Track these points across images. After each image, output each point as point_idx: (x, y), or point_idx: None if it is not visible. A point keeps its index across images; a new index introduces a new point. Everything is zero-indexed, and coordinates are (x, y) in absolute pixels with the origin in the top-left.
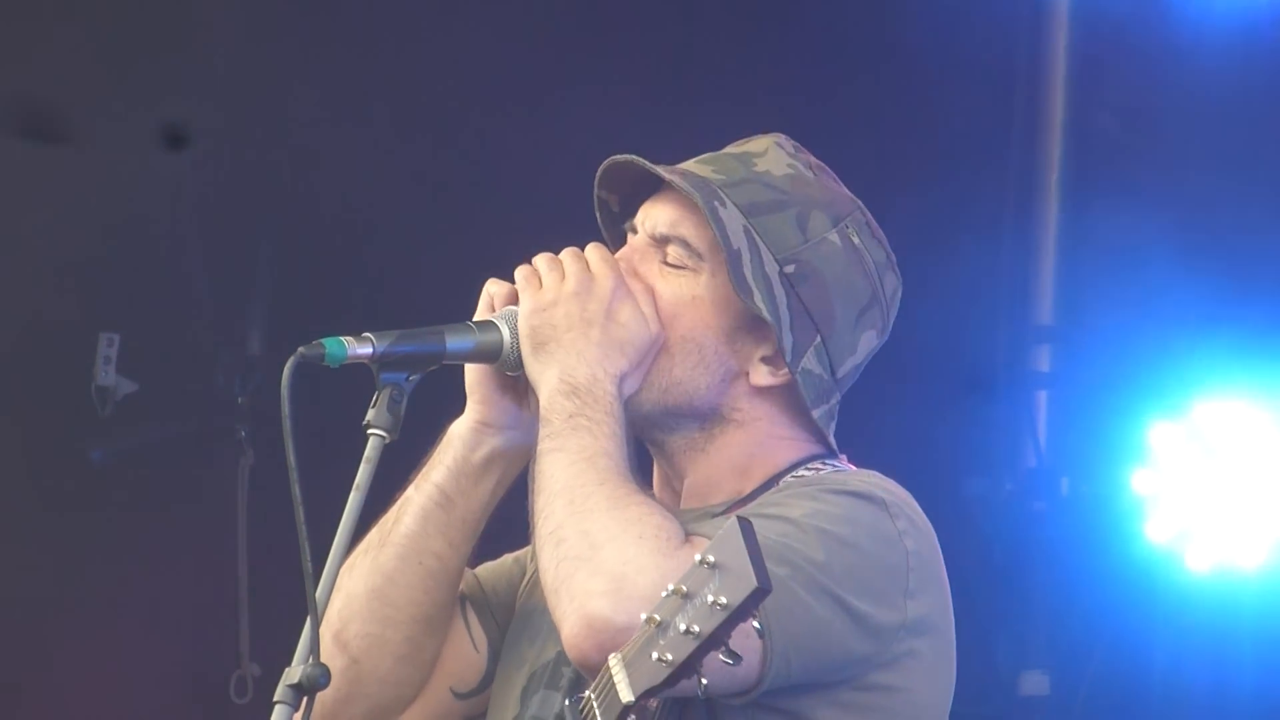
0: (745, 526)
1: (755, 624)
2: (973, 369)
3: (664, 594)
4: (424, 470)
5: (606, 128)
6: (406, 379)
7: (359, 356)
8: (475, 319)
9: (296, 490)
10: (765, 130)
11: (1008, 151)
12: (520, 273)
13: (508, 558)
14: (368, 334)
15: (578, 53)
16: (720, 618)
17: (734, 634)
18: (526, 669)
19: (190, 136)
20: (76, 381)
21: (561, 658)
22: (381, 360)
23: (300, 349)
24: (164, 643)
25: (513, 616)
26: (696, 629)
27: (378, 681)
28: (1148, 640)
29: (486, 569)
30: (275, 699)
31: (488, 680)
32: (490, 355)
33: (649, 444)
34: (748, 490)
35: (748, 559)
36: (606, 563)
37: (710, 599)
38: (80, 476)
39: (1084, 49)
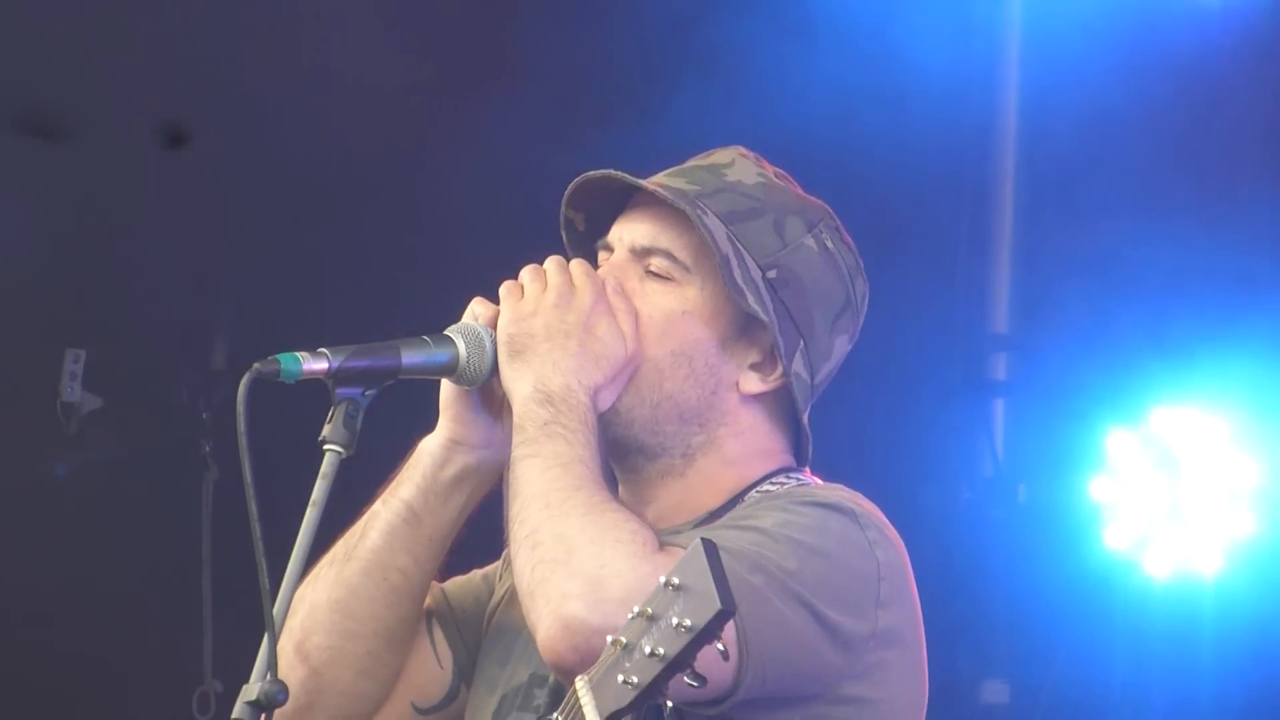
0: (709, 548)
1: (719, 647)
2: (929, 378)
3: (630, 616)
4: (392, 485)
5: (564, 144)
6: (363, 394)
7: (314, 372)
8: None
9: (253, 507)
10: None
11: (963, 161)
12: (504, 286)
13: (476, 574)
14: (323, 349)
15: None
16: (685, 640)
17: (700, 655)
18: (498, 692)
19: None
20: (42, 397)
21: (534, 680)
22: (336, 375)
23: (255, 365)
24: (127, 658)
25: (479, 634)
26: (662, 651)
27: (338, 694)
28: (1107, 647)
29: (454, 584)
30: (234, 716)
31: (450, 696)
32: (447, 370)
33: (623, 468)
34: (715, 505)
35: (711, 580)
36: (583, 565)
37: (675, 621)
38: (45, 491)
39: (1037, 61)
